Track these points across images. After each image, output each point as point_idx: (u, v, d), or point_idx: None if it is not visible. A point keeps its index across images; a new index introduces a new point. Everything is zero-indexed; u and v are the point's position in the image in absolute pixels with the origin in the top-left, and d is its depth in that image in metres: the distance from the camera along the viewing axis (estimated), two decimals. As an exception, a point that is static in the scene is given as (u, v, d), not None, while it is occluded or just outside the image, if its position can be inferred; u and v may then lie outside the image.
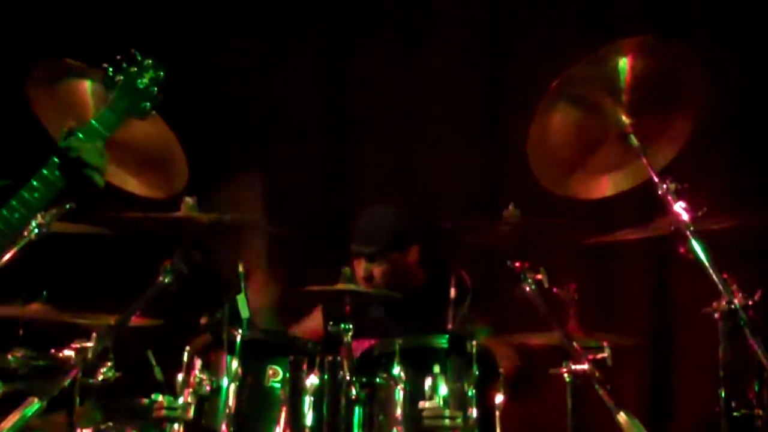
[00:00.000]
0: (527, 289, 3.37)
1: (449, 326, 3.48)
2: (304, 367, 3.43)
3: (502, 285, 3.57)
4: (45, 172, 2.62)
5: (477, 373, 3.41)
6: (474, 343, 3.43)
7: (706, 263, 2.98)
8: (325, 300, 3.97)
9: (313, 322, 4.12)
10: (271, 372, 3.43)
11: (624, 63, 3.25)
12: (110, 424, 3.49)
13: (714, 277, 2.98)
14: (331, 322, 3.57)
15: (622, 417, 3.14)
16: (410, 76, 4.96)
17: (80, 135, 2.66)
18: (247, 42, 5.07)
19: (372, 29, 5.04)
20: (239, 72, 5.00)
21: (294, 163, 4.91)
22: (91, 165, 2.63)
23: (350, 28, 5.07)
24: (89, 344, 3.31)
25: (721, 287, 2.99)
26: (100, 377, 3.41)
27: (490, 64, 4.89)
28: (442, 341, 3.45)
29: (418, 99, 4.94)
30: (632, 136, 3.22)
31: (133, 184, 3.46)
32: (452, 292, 3.51)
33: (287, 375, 3.43)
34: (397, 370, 3.40)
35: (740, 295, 3.01)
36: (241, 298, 3.43)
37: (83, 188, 2.67)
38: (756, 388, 3.32)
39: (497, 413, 3.42)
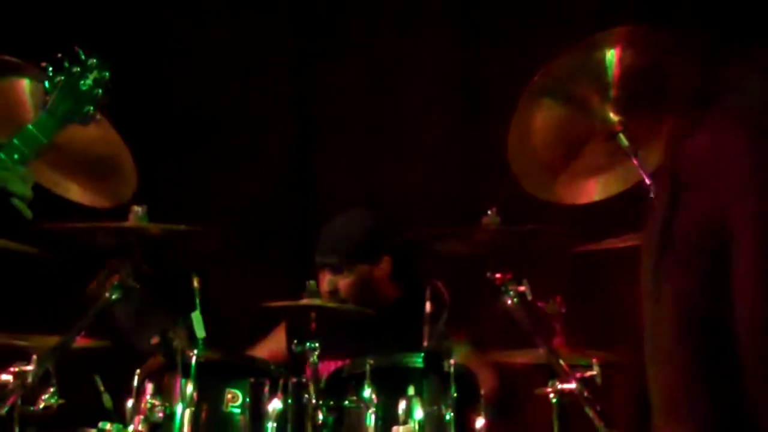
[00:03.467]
0: (509, 302, 3.40)
1: (425, 344, 3.44)
2: (266, 390, 3.44)
3: (481, 298, 3.60)
4: None
5: (455, 394, 3.39)
6: (452, 362, 3.41)
7: None
8: (289, 317, 3.97)
9: (276, 343, 4.12)
10: (229, 396, 3.45)
11: (612, 55, 3.27)
12: (53, 455, 3.48)
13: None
14: (295, 341, 3.57)
15: (613, 440, 3.16)
16: (380, 74, 4.98)
17: (2, 156, 2.62)
18: (208, 44, 5.08)
19: (342, 32, 5.09)
20: (198, 74, 5.03)
21: (256, 171, 4.94)
22: (17, 195, 2.61)
23: (319, 29, 5.11)
24: (29, 368, 3.27)
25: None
26: (42, 404, 3.35)
27: (467, 58, 4.91)
28: (417, 360, 3.44)
29: (394, 105, 4.98)
30: (622, 136, 3.25)
31: (76, 193, 3.47)
32: (428, 306, 3.47)
33: (247, 399, 3.44)
34: (368, 392, 3.40)
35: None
36: (196, 316, 3.42)
37: (8, 218, 2.65)
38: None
39: None
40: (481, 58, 4.86)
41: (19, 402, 3.28)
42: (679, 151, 1.44)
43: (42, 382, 3.33)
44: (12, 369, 3.30)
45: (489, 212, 3.47)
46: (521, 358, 3.71)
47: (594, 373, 3.36)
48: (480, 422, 3.42)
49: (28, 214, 2.63)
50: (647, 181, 3.15)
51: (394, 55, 4.98)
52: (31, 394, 3.33)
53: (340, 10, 5.10)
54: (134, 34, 4.92)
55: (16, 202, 2.60)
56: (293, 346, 3.58)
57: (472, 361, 3.75)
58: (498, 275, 3.42)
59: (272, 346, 4.11)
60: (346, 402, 3.42)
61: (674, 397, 1.44)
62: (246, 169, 4.96)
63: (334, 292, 3.99)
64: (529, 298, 3.41)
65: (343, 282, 4.02)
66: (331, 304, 3.80)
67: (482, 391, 3.53)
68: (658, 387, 1.48)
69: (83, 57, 2.85)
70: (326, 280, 4.02)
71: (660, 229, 1.44)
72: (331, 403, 3.41)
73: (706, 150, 1.39)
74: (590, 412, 3.24)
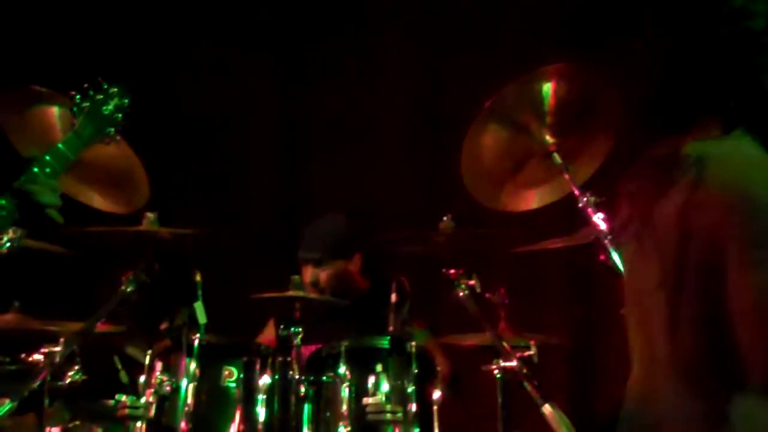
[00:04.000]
0: (461, 294, 3.43)
1: (390, 329, 3.52)
2: (257, 367, 3.47)
3: (438, 290, 3.59)
4: (3, 202, 2.61)
5: (416, 371, 3.45)
6: (413, 344, 3.48)
7: (623, 269, 2.88)
8: (276, 307, 3.97)
9: (270, 333, 4.14)
10: (226, 373, 3.46)
11: (548, 88, 3.30)
12: (77, 423, 3.49)
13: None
14: (282, 326, 3.61)
15: (547, 409, 3.20)
16: (358, 105, 5.03)
17: (36, 170, 2.65)
18: (207, 69, 5.09)
19: (324, 58, 5.10)
20: (199, 98, 5.04)
21: (250, 182, 4.96)
22: (48, 205, 2.63)
23: (305, 56, 5.12)
24: (57, 349, 3.30)
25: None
26: (68, 380, 3.41)
27: (429, 93, 4.98)
28: (384, 342, 3.49)
29: (366, 124, 5.01)
30: (555, 155, 3.29)
31: (98, 201, 3.50)
32: (393, 297, 3.56)
33: (241, 375, 3.46)
34: (342, 369, 3.45)
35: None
36: (198, 305, 3.47)
37: (42, 223, 2.67)
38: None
39: (435, 408, 3.45)
40: (442, 90, 4.91)
41: (49, 378, 3.30)
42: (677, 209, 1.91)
43: (68, 361, 3.36)
44: (43, 350, 3.33)
45: (444, 218, 3.53)
46: (471, 340, 3.70)
47: (532, 352, 3.40)
48: (436, 394, 3.44)
49: (60, 219, 2.66)
50: (576, 193, 3.19)
51: (369, 85, 5.02)
52: (59, 371, 3.35)
53: (320, 47, 5.12)
54: (146, 61, 4.92)
55: (49, 212, 2.62)
56: (280, 331, 3.60)
57: (430, 343, 3.78)
58: (452, 271, 3.44)
59: (269, 335, 4.13)
60: (325, 377, 3.45)
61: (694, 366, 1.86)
62: (242, 181, 4.97)
63: (315, 283, 4.05)
64: (478, 290, 3.44)
65: (323, 274, 4.07)
66: (312, 296, 3.85)
67: (439, 368, 3.57)
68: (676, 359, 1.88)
69: (105, 86, 2.86)
70: (309, 272, 4.07)
71: (675, 258, 1.90)
72: (312, 378, 3.45)
73: (703, 208, 1.87)
74: (528, 386, 3.26)
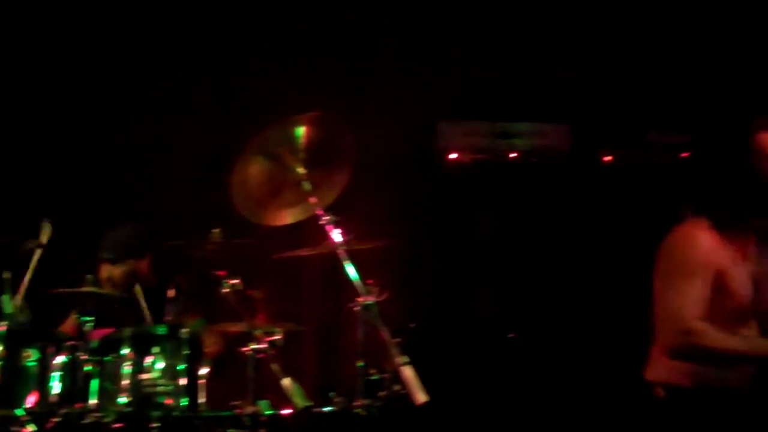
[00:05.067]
0: (227, 290, 3.59)
1: (167, 318, 3.65)
2: (53, 350, 3.48)
3: (209, 287, 3.69)
4: None
5: (187, 352, 3.54)
6: (185, 330, 3.58)
7: (353, 272, 3.25)
8: (77, 303, 3.95)
9: (71, 322, 4.15)
10: (26, 354, 3.46)
11: (301, 130, 3.46)
12: None
13: (357, 282, 3.24)
14: (77, 315, 3.69)
15: (286, 382, 3.44)
16: (158, 139, 5.10)
17: None
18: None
19: (136, 98, 5.14)
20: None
21: (60, 193, 4.96)
22: None
23: (121, 96, 5.13)
24: None
25: (361, 289, 3.23)
26: None
27: (217, 128, 5.12)
28: (161, 329, 3.58)
29: (164, 154, 5.08)
30: (305, 182, 3.45)
31: None
32: (171, 292, 3.68)
33: (39, 356, 3.46)
34: (125, 350, 3.50)
35: (374, 294, 3.21)
36: (5, 298, 3.50)
37: None
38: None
39: (201, 382, 3.57)
40: (227, 125, 5.03)
41: None
42: None
43: None
44: None
45: (214, 230, 3.68)
46: (234, 327, 3.79)
47: (279, 337, 3.60)
48: (203, 371, 3.57)
49: None
50: (320, 212, 3.36)
51: (170, 121, 5.11)
52: None
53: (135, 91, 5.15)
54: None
55: None
56: (76, 320, 3.67)
57: (202, 330, 3.87)
58: (220, 272, 3.59)
59: (69, 324, 4.12)
60: (110, 357, 3.49)
61: None
62: (54, 193, 4.94)
63: (110, 279, 4.12)
64: (241, 288, 3.59)
65: (117, 271, 4.15)
66: (102, 291, 3.89)
67: (206, 350, 3.72)
68: None
69: None
70: (105, 270, 4.13)
71: None
72: (98, 358, 3.48)
73: None
74: (273, 364, 3.47)
